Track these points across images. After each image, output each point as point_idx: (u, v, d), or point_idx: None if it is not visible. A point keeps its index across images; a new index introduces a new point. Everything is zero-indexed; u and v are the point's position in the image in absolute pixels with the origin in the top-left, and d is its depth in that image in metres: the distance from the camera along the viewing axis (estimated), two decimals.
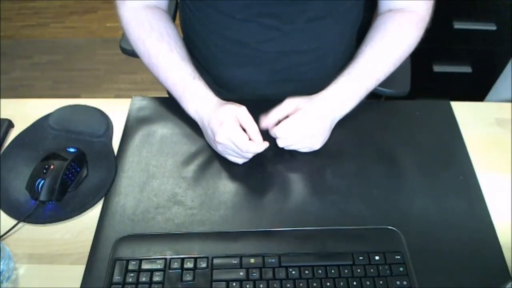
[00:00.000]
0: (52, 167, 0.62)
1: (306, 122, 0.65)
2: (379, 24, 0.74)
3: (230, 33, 0.75)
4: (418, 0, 0.72)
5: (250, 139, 0.62)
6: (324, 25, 0.74)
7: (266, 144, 0.63)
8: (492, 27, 1.33)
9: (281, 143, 0.66)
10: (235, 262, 0.56)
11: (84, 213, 0.63)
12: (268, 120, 0.65)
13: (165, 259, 0.57)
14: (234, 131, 0.62)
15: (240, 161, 0.67)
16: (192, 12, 0.79)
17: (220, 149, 0.66)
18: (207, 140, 0.70)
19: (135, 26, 0.72)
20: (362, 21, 0.84)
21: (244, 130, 0.63)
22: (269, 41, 0.74)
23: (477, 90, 1.55)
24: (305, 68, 0.78)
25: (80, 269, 0.57)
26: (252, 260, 0.57)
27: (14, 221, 0.61)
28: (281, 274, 0.55)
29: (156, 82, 0.74)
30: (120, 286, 0.55)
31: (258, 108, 0.66)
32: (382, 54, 0.71)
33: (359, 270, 0.56)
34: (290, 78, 0.80)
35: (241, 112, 0.63)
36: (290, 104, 0.66)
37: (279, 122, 0.65)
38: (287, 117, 0.65)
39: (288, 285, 0.54)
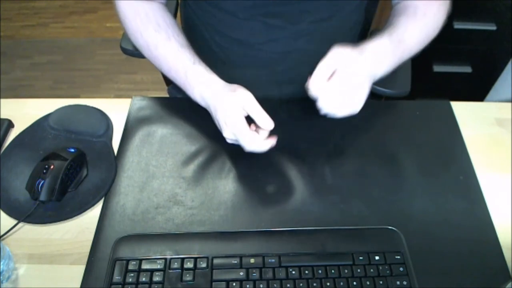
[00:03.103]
0: (52, 167, 0.62)
1: (349, 83, 0.61)
2: (406, 5, 0.71)
3: (233, 32, 0.75)
4: None
5: (257, 126, 0.61)
6: (328, 26, 0.74)
7: (271, 142, 0.62)
8: (492, 27, 1.33)
9: (324, 111, 0.62)
10: (235, 262, 0.56)
11: (84, 213, 0.63)
12: (314, 82, 0.61)
13: (165, 259, 0.57)
14: (238, 129, 0.61)
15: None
16: (193, 12, 0.78)
17: (229, 141, 0.65)
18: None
19: (132, 18, 0.71)
20: (363, 23, 0.84)
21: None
22: (272, 41, 0.74)
23: (477, 90, 1.55)
24: (308, 69, 0.78)
25: (80, 269, 0.57)
26: (252, 260, 0.57)
27: (14, 221, 0.61)
28: (281, 274, 0.55)
29: (156, 82, 0.74)
30: (120, 286, 0.55)
31: None
32: (416, 25, 0.69)
33: (359, 270, 0.56)
34: (292, 79, 0.80)
35: (246, 101, 0.61)
36: (334, 59, 0.61)
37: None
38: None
39: (288, 285, 0.54)
